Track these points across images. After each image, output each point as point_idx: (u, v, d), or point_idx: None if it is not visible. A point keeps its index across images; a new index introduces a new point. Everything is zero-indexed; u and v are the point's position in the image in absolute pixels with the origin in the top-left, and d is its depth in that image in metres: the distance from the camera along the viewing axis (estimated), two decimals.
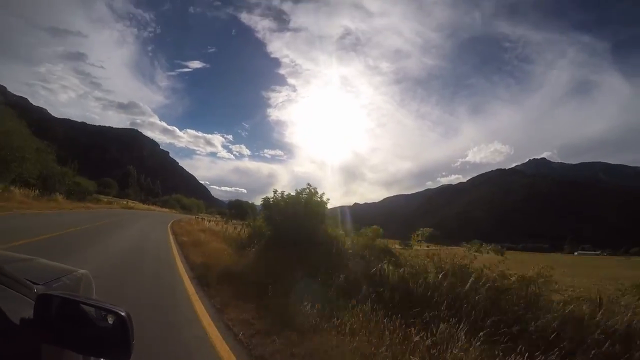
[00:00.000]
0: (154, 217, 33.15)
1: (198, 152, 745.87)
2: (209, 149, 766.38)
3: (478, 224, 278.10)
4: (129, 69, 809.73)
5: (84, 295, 1.43)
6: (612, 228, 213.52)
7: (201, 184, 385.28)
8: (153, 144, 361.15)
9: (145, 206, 59.24)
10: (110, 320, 0.91)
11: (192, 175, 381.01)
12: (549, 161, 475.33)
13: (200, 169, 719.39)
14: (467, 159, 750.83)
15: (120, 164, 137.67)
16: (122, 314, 0.90)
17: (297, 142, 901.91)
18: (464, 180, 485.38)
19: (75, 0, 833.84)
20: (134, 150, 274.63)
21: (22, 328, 0.84)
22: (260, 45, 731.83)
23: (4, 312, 0.82)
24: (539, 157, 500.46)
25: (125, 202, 54.60)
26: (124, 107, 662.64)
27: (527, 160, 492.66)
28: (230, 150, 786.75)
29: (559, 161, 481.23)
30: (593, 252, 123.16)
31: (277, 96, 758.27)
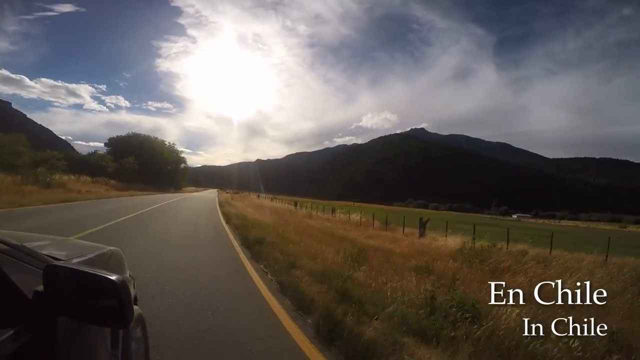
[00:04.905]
0: None
1: (56, 104, 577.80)
2: (73, 100, 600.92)
3: (388, 182, 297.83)
4: None
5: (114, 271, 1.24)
6: (493, 191, 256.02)
7: (61, 139, 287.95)
8: None
9: None
10: (111, 287, 0.88)
11: (47, 129, 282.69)
12: (427, 131, 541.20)
13: (60, 123, 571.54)
14: (361, 123, 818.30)
15: None
16: (113, 278, 0.87)
17: (190, 96, 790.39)
18: (358, 142, 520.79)
19: None
20: None
21: (36, 300, 0.85)
22: None
23: (17, 285, 0.82)
24: (418, 127, 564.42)
25: None
26: None
27: (409, 129, 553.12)
28: (102, 102, 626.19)
29: (434, 132, 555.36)
30: (528, 215, 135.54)
31: (172, 46, 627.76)
